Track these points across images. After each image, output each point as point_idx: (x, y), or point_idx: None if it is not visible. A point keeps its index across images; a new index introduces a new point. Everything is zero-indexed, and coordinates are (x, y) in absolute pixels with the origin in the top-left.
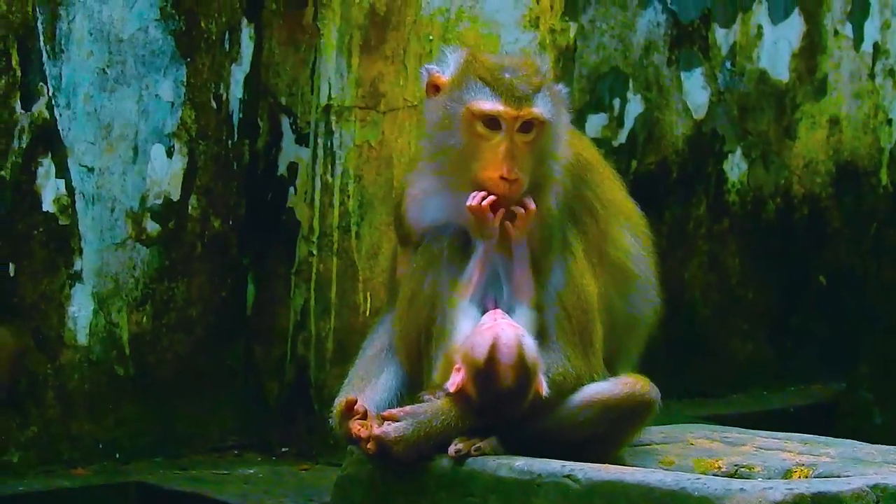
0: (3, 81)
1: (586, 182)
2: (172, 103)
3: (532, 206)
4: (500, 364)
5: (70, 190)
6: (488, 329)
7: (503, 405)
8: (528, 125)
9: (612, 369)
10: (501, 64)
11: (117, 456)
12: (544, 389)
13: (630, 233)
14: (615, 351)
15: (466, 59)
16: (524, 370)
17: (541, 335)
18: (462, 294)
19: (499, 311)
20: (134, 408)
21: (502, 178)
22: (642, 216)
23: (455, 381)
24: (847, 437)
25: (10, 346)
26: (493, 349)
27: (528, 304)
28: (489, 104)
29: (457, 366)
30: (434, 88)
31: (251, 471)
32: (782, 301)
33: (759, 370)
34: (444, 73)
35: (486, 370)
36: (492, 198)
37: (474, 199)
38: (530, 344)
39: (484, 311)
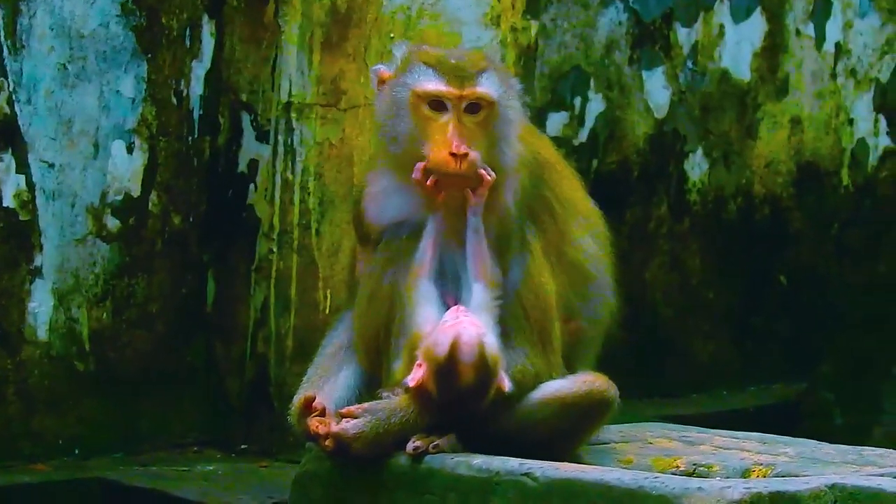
0: None
1: (545, 181)
2: (133, 99)
3: (490, 175)
4: (460, 363)
5: (30, 185)
6: (450, 327)
7: (464, 402)
8: (474, 106)
9: (570, 369)
10: (446, 51)
11: (77, 452)
12: (507, 386)
13: (588, 233)
14: (572, 351)
15: (411, 49)
16: (485, 369)
17: (499, 332)
18: (417, 275)
19: (461, 307)
20: (95, 404)
21: (452, 154)
22: (601, 216)
23: (415, 376)
24: (808, 438)
25: None
26: (454, 348)
27: (485, 282)
28: (432, 84)
29: (418, 362)
30: (382, 85)
31: (211, 467)
32: (744, 301)
33: (721, 370)
34: (391, 68)
35: (446, 368)
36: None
37: (417, 170)
38: (492, 342)
39: (446, 307)
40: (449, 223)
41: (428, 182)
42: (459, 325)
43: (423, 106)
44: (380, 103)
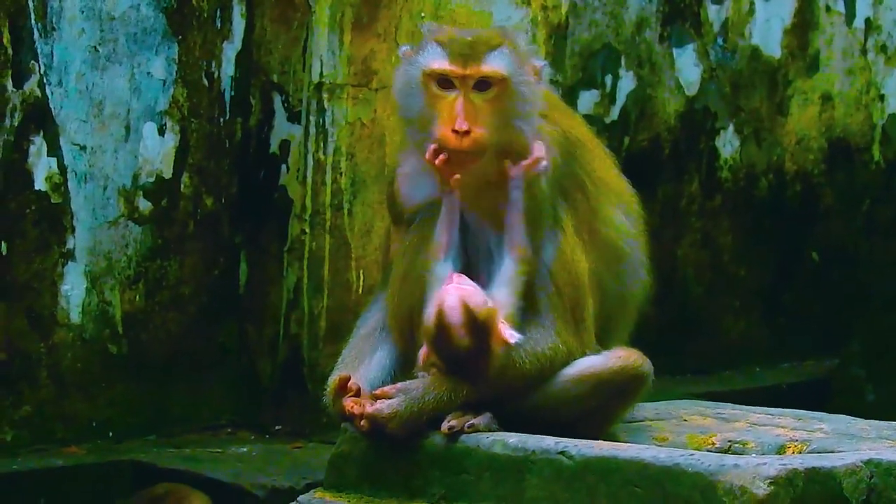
0: None
1: (576, 159)
2: (164, 81)
3: (541, 152)
4: (448, 327)
5: (62, 168)
6: (436, 297)
7: (469, 366)
8: (483, 84)
9: (603, 346)
10: (462, 31)
11: (110, 434)
12: (511, 337)
13: (621, 211)
14: (605, 329)
15: (430, 28)
16: (474, 325)
17: (531, 311)
18: (432, 258)
19: (455, 275)
20: (127, 386)
21: (454, 130)
22: (634, 195)
23: (421, 354)
24: (840, 414)
25: None
26: (439, 314)
27: (515, 256)
28: (438, 63)
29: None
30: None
31: (244, 449)
32: (775, 278)
33: (752, 347)
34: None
35: (438, 336)
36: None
37: (428, 150)
38: (478, 299)
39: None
40: (470, 200)
41: (437, 161)
42: (444, 292)
43: (433, 84)
44: (396, 83)
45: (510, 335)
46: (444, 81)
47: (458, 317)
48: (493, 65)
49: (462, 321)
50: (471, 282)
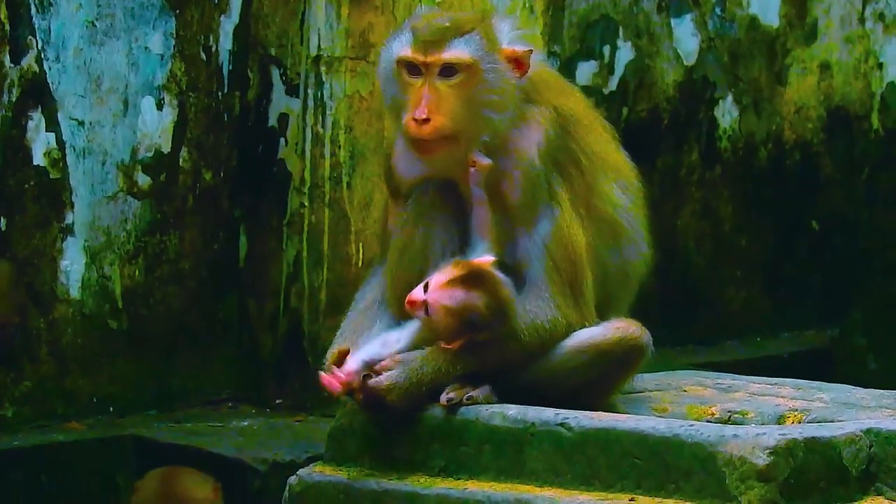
0: None
1: (571, 135)
2: (162, 55)
3: (485, 162)
4: (463, 306)
5: (60, 144)
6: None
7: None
8: (448, 70)
9: (604, 317)
10: (436, 14)
11: (111, 410)
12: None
13: (619, 186)
14: (605, 303)
15: (417, 13)
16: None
17: (529, 284)
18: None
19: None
20: (128, 362)
21: (414, 119)
22: (634, 169)
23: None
24: (842, 383)
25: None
26: (450, 311)
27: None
28: (404, 50)
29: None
30: None
31: (245, 423)
32: (776, 248)
33: (753, 317)
34: None
35: (464, 322)
36: None
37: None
38: (447, 271)
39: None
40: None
41: (410, 147)
42: (432, 301)
43: (403, 71)
44: (378, 69)
45: (504, 279)
46: (412, 68)
47: (458, 293)
48: (457, 52)
49: (463, 291)
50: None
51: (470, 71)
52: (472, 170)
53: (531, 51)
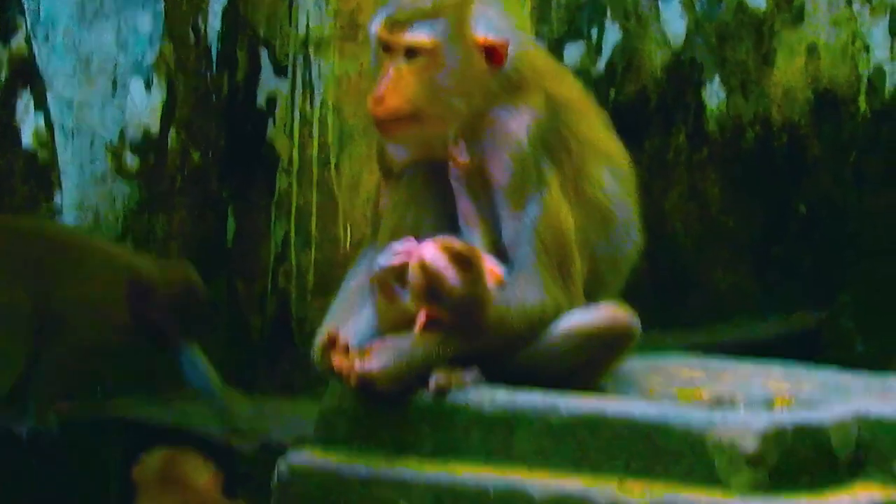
0: None
1: (562, 119)
2: (151, 36)
3: (462, 159)
4: (438, 275)
5: (49, 124)
6: (413, 259)
7: (472, 306)
8: (411, 52)
9: (592, 302)
10: None
11: (98, 391)
12: (500, 269)
13: (609, 173)
14: (595, 288)
15: None
16: (461, 260)
17: (518, 267)
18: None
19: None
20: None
21: (373, 97)
22: (626, 157)
23: (420, 319)
24: (829, 366)
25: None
26: (424, 267)
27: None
28: (376, 27)
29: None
30: None
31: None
32: (764, 230)
33: (741, 299)
34: None
35: (430, 288)
36: None
37: None
38: (453, 240)
39: None
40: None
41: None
42: (419, 252)
43: (380, 49)
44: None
45: (498, 268)
46: (385, 47)
47: (443, 260)
48: (418, 34)
49: (448, 262)
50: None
51: (431, 55)
52: (450, 164)
53: (507, 42)
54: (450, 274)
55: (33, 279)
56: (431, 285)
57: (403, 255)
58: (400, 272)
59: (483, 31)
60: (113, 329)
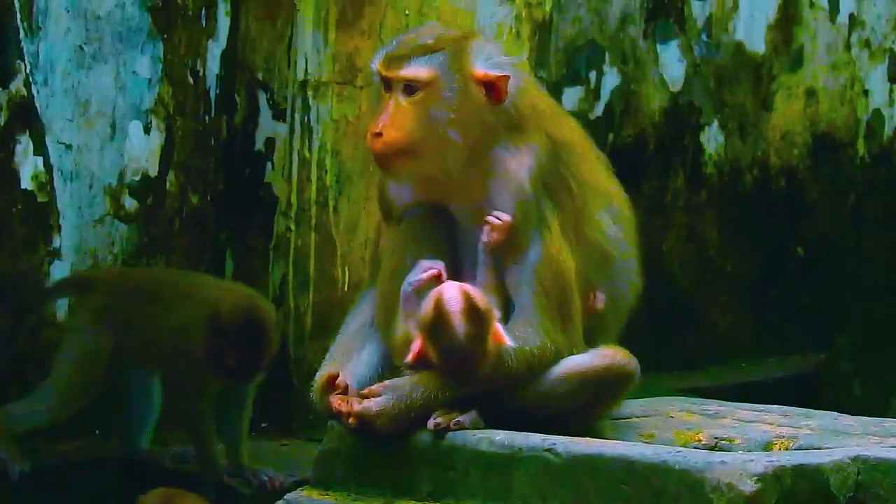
0: None
1: (563, 162)
2: (150, 79)
3: (502, 220)
4: (449, 316)
5: (48, 167)
6: (433, 291)
7: (466, 358)
8: (409, 87)
9: (593, 345)
10: (419, 32)
11: (98, 432)
12: (506, 339)
13: (609, 215)
14: (594, 331)
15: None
16: (474, 313)
17: (518, 310)
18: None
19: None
20: (115, 384)
21: (371, 133)
22: (626, 200)
23: (414, 349)
24: (828, 409)
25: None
26: (439, 304)
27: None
28: (375, 63)
29: (414, 336)
30: None
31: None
32: (761, 272)
33: (739, 342)
34: None
35: (436, 324)
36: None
37: None
38: (476, 292)
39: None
40: (452, 201)
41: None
42: (443, 286)
43: (380, 86)
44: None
45: (505, 336)
46: (386, 83)
47: (458, 305)
48: (415, 69)
49: (462, 308)
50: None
51: (430, 89)
52: (485, 229)
53: (507, 77)
54: (457, 321)
55: (116, 320)
56: (437, 322)
57: (432, 276)
58: (422, 289)
59: (482, 66)
60: (190, 363)
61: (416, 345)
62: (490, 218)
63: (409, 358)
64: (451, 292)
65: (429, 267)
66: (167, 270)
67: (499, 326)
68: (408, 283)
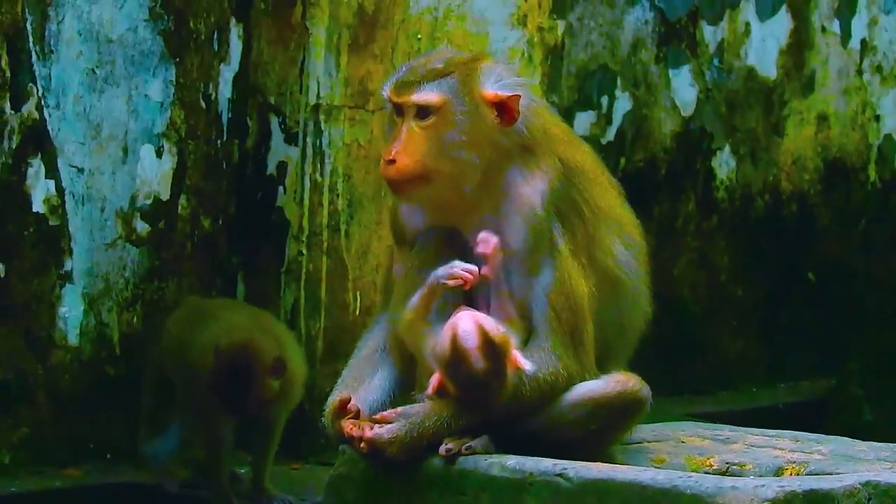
0: None
1: (575, 186)
2: (162, 103)
3: (493, 241)
4: (465, 352)
5: (60, 190)
6: (448, 324)
7: (485, 391)
8: (422, 112)
9: (602, 370)
10: (423, 57)
11: (109, 456)
12: (524, 365)
13: (620, 241)
14: (604, 355)
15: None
16: (491, 348)
17: (531, 335)
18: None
19: (463, 308)
20: (125, 408)
21: (384, 159)
22: (638, 226)
23: (432, 383)
24: (838, 434)
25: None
26: (455, 339)
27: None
28: (386, 90)
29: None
30: None
31: (242, 470)
32: (772, 297)
33: (750, 367)
34: None
35: (453, 360)
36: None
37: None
38: (491, 324)
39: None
40: (464, 226)
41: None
42: (457, 318)
43: (393, 112)
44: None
45: (523, 362)
46: (397, 108)
47: (474, 340)
48: (426, 94)
49: (479, 344)
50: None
51: (441, 113)
52: (477, 249)
53: (518, 96)
54: (476, 357)
55: (158, 347)
56: (455, 358)
57: (461, 280)
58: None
59: (492, 87)
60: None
61: (435, 379)
62: (481, 245)
63: (430, 392)
64: (466, 326)
65: (461, 269)
66: (208, 299)
67: (516, 354)
68: (436, 277)
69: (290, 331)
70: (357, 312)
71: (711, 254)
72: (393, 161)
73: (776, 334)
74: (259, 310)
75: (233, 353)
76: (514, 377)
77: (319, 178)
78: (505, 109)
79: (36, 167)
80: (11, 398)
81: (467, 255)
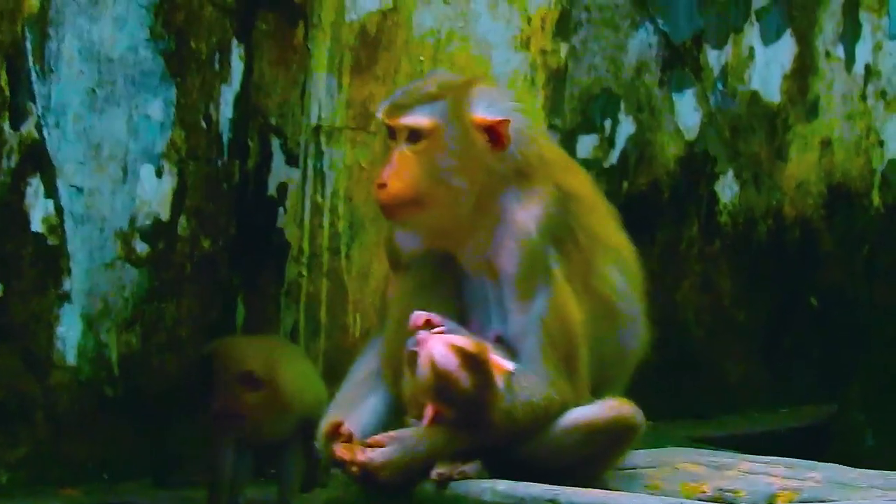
0: None
1: (571, 212)
2: (162, 123)
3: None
4: (448, 373)
5: (59, 210)
6: (422, 356)
7: (480, 405)
8: (414, 136)
9: (598, 397)
10: (419, 80)
11: (107, 477)
12: (507, 365)
13: (616, 268)
14: (600, 383)
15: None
16: (471, 361)
17: (525, 361)
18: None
19: (421, 334)
20: (123, 428)
21: (377, 184)
22: (633, 252)
23: (427, 413)
24: (839, 459)
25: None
26: (434, 365)
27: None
28: (381, 112)
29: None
30: None
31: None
32: (774, 322)
33: (752, 391)
34: None
35: (439, 386)
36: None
37: None
38: (461, 339)
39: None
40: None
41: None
42: (427, 347)
43: (386, 135)
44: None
45: (505, 363)
46: (391, 131)
47: (453, 360)
48: (417, 118)
49: (459, 362)
50: (445, 322)
51: (432, 138)
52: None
53: (507, 121)
54: (461, 376)
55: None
56: (440, 384)
57: (419, 325)
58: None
59: (482, 111)
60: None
61: (429, 410)
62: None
63: (426, 423)
64: (440, 350)
65: (416, 318)
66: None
67: (496, 358)
68: (410, 345)
69: (307, 361)
70: (357, 335)
71: (714, 278)
72: (384, 185)
73: (779, 359)
74: (284, 340)
75: (204, 356)
76: (503, 383)
77: (320, 200)
78: (494, 134)
79: (35, 186)
80: (9, 418)
81: (462, 278)
